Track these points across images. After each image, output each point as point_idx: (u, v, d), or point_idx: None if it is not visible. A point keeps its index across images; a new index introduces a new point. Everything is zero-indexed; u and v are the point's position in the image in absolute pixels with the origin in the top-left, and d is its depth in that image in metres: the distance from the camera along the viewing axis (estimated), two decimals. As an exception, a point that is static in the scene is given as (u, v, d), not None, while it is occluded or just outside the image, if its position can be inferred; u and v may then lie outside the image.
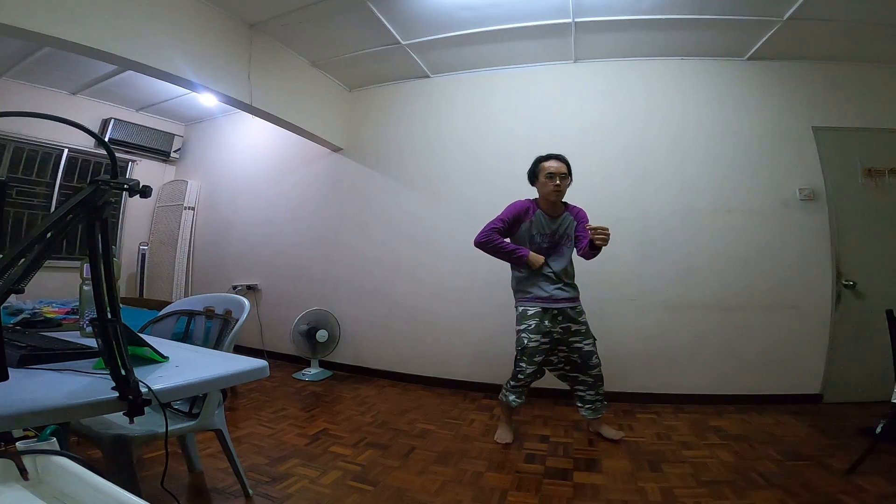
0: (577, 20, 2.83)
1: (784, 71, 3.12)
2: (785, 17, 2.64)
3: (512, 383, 2.31)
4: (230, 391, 2.88)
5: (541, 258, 2.28)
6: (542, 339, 2.25)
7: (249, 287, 4.26)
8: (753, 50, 3.03)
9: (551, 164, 2.30)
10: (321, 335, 3.53)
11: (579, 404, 2.37)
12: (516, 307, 2.37)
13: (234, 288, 4.18)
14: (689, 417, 2.69)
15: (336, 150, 3.98)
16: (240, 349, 2.86)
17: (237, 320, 1.62)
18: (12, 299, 0.99)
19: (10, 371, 0.81)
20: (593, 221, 2.22)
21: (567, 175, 2.31)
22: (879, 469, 1.89)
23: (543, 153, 2.38)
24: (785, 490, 1.76)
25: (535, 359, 2.25)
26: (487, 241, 2.31)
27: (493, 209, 3.32)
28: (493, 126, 3.49)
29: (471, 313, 3.38)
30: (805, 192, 2.99)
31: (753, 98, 3.12)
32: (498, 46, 3.18)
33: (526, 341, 2.25)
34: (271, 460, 2.04)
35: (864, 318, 2.87)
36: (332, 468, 1.99)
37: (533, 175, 2.38)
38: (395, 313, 3.63)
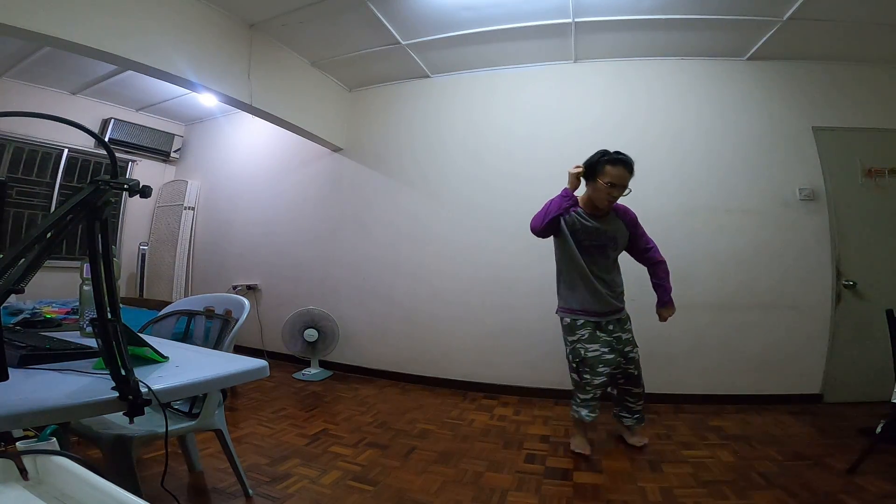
0: (577, 20, 2.83)
1: (784, 71, 3.11)
2: (785, 18, 2.64)
3: (581, 397, 2.17)
4: (230, 391, 2.88)
5: (576, 169, 2.11)
6: (602, 349, 2.13)
7: (249, 287, 4.26)
8: (753, 50, 3.03)
9: (617, 173, 2.04)
10: (309, 334, 3.53)
11: (625, 415, 2.28)
12: (562, 318, 2.22)
13: (234, 288, 4.18)
14: (689, 417, 2.69)
15: (336, 150, 3.98)
16: (240, 349, 2.87)
17: (237, 320, 1.62)
18: (12, 299, 0.99)
19: (10, 371, 0.81)
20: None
21: (627, 188, 2.08)
22: (879, 469, 1.89)
23: (611, 148, 2.10)
24: (785, 490, 1.76)
25: (600, 369, 2.11)
26: (543, 222, 2.10)
27: (492, 209, 3.39)
28: (493, 126, 3.49)
29: (471, 313, 3.38)
30: (805, 192, 2.99)
31: (753, 98, 3.12)
32: (498, 46, 3.18)
33: (583, 352, 2.12)
34: (271, 460, 2.04)
35: (864, 318, 2.86)
36: (332, 468, 1.99)
37: (591, 171, 2.11)
38: (395, 313, 3.63)
